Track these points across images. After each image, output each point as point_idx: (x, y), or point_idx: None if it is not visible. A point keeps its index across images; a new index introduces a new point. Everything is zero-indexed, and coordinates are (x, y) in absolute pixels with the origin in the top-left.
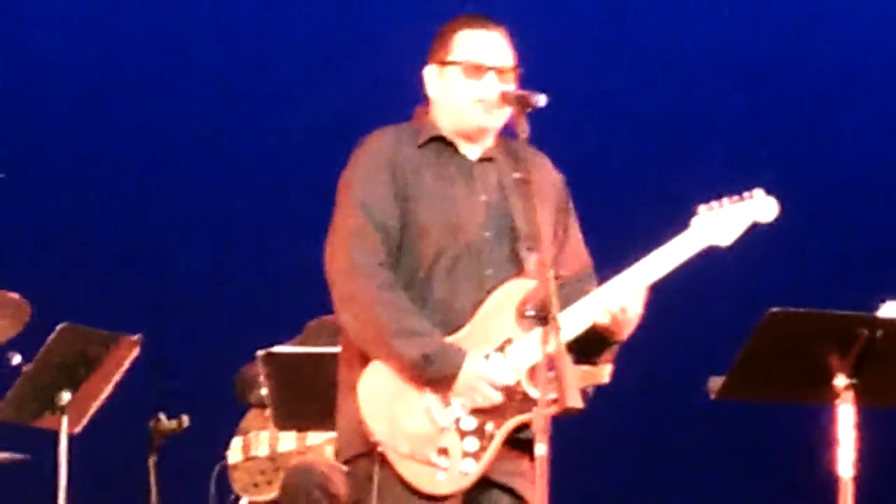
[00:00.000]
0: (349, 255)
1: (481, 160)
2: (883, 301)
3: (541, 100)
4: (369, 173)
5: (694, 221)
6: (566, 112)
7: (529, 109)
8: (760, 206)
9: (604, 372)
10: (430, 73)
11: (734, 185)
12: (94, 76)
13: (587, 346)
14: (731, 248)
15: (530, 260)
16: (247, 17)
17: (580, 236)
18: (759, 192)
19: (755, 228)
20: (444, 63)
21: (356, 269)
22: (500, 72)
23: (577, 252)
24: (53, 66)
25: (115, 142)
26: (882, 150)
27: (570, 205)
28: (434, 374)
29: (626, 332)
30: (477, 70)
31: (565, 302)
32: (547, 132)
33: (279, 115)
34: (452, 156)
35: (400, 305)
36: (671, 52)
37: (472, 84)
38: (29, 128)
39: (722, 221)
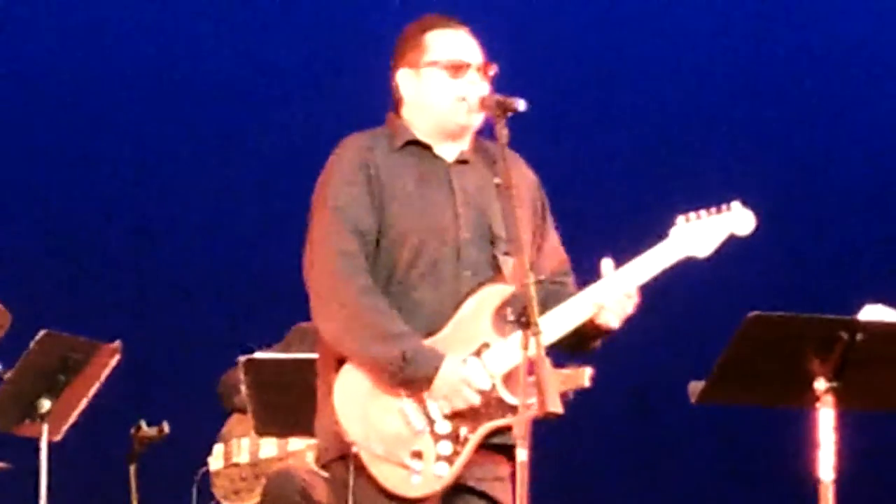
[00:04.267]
0: (327, 260)
1: (458, 162)
2: (863, 304)
3: (521, 105)
4: (345, 177)
5: (672, 231)
6: (549, 114)
7: (510, 114)
8: (738, 219)
9: (584, 376)
10: (405, 77)
11: (715, 192)
12: (77, 78)
13: (575, 339)
14: (709, 258)
15: (508, 264)
16: (247, 17)
17: (557, 235)
18: (736, 205)
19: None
20: (420, 65)
21: (334, 273)
22: (478, 68)
23: (555, 251)
24: (38, 66)
25: (96, 146)
26: (863, 155)
27: (547, 205)
28: (411, 375)
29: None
30: (458, 69)
31: (543, 305)
32: (528, 134)
33: (263, 122)
34: (429, 158)
35: (379, 309)
36: (658, 54)
37: (456, 83)
38: (8, 131)
39: (700, 233)
